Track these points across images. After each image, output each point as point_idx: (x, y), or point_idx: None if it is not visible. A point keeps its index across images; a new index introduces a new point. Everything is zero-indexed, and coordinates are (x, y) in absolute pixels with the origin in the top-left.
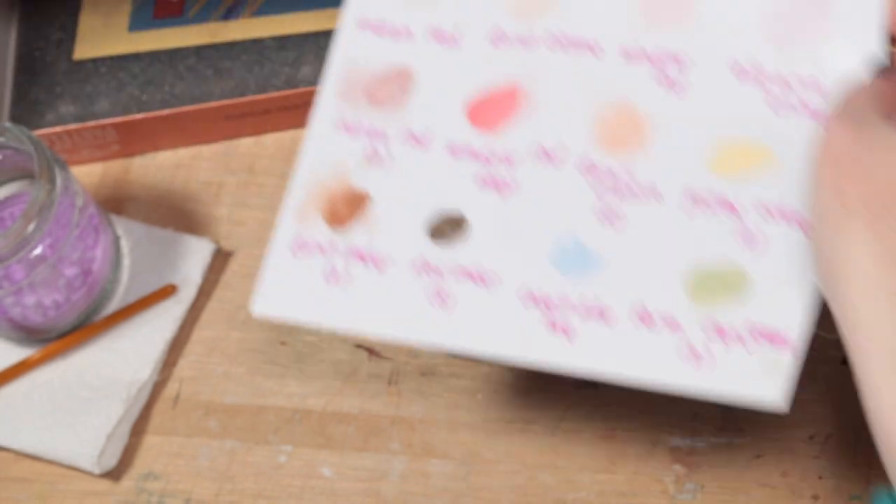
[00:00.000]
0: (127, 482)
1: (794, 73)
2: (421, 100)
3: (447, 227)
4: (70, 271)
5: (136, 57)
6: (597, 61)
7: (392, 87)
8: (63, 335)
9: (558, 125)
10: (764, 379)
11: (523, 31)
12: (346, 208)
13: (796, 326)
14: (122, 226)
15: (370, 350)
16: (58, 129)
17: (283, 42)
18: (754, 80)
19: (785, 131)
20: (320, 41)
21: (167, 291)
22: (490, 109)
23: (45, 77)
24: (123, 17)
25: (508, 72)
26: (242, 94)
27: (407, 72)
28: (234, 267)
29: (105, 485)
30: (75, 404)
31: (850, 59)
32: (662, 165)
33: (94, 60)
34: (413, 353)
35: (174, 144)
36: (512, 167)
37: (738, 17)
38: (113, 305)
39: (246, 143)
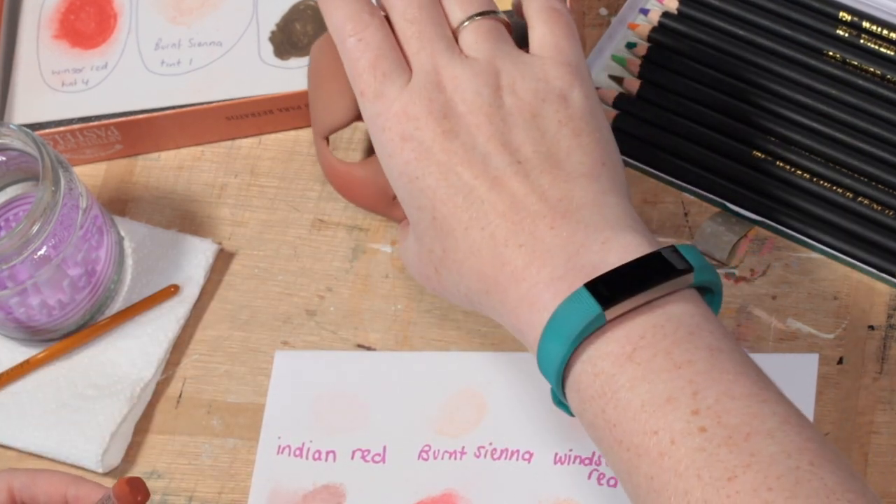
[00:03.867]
0: None
1: None
2: None
3: None
4: (74, 271)
5: None
6: (529, 466)
7: (323, 503)
8: (67, 335)
9: None
10: None
11: (452, 445)
12: None
13: None
14: (125, 226)
15: (370, 350)
16: (61, 129)
17: None
18: None
19: None
20: None
21: (170, 291)
22: None
23: None
24: None
25: (441, 481)
26: None
27: (337, 489)
28: (236, 267)
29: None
30: (80, 403)
31: None
32: None
33: None
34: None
35: (177, 145)
36: None
37: None
38: (117, 305)
39: (248, 144)
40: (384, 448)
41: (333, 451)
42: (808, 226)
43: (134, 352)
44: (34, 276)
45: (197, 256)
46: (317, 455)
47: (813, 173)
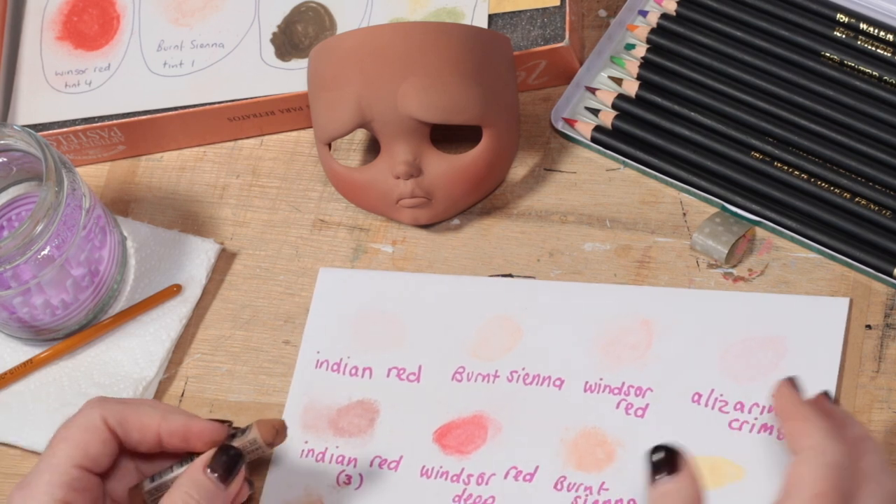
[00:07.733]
0: None
1: (753, 400)
2: (387, 429)
3: None
4: (77, 271)
5: None
6: (560, 392)
7: (357, 418)
8: (71, 334)
9: (529, 449)
10: None
11: (485, 369)
12: None
13: None
14: (127, 226)
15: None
16: (64, 130)
17: None
18: (714, 407)
19: (750, 451)
20: None
21: (172, 291)
22: (459, 436)
23: None
24: None
25: (473, 403)
26: None
27: (371, 405)
28: (238, 267)
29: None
30: (83, 402)
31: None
32: (633, 482)
33: None
34: None
35: (179, 145)
36: (487, 486)
37: (696, 354)
38: (119, 305)
39: (249, 145)
40: (419, 368)
41: (370, 368)
42: (806, 226)
43: (136, 351)
44: (38, 275)
45: (199, 256)
46: (353, 371)
47: (810, 174)
